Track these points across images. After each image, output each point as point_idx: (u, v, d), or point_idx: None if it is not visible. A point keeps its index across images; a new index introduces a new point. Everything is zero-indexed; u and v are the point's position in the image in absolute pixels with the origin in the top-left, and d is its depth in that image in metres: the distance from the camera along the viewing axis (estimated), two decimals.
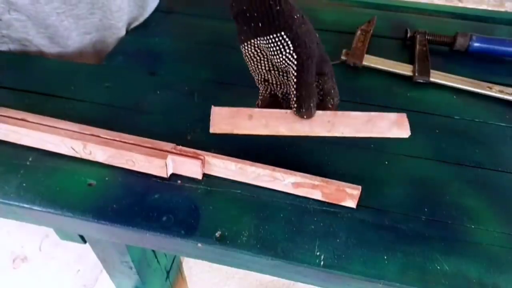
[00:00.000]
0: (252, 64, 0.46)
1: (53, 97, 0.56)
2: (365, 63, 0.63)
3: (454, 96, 0.60)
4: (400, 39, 0.70)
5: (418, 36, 0.67)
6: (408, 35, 0.68)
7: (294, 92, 0.42)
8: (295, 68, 0.42)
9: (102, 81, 0.59)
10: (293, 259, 0.41)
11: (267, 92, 0.47)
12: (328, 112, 0.44)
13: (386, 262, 0.41)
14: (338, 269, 0.40)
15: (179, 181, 0.47)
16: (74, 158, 0.48)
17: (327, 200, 0.45)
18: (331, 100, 0.45)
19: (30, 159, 0.49)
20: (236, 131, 0.43)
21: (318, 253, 0.41)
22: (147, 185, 0.47)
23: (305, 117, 0.42)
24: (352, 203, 0.45)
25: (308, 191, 0.45)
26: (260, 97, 0.47)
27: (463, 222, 0.44)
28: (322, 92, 0.44)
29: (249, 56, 0.46)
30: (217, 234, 0.42)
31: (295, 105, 0.42)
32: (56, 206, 0.45)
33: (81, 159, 0.48)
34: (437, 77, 0.61)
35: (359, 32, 0.69)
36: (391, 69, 0.63)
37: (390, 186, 0.47)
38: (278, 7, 0.41)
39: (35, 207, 0.45)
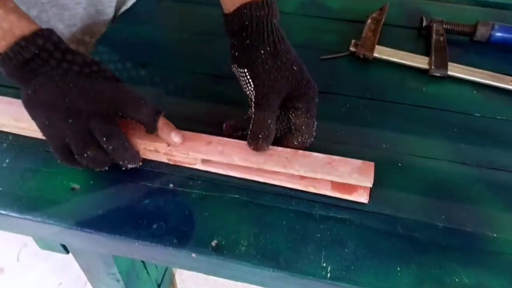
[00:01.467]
0: (241, 84, 0.49)
1: None
2: (376, 54, 0.63)
3: (474, 91, 0.60)
4: (414, 29, 0.70)
5: (434, 25, 0.67)
6: (424, 24, 0.68)
7: (251, 124, 0.45)
8: (253, 104, 0.45)
9: None
10: (297, 271, 0.41)
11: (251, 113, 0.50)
12: (289, 150, 0.47)
13: (399, 274, 0.41)
14: (346, 282, 0.40)
15: (171, 185, 0.47)
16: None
17: (336, 195, 0.45)
18: (299, 138, 0.47)
19: (7, 161, 0.49)
20: (191, 154, 0.47)
21: (324, 264, 0.41)
22: (136, 189, 0.47)
23: (252, 148, 0.45)
24: (363, 195, 0.45)
25: (316, 182, 0.46)
26: (244, 117, 0.50)
27: (483, 230, 0.44)
28: (293, 127, 0.47)
29: (237, 77, 0.49)
30: (213, 243, 0.42)
31: (248, 137, 0.45)
32: (35, 212, 0.45)
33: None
34: (455, 70, 0.61)
35: (369, 20, 0.69)
36: (404, 62, 0.63)
37: (404, 190, 0.47)
38: (248, 41, 0.46)
39: (13, 214, 0.45)
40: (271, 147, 0.46)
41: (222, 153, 0.46)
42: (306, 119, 0.46)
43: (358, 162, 0.46)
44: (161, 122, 0.46)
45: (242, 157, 0.46)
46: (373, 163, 0.46)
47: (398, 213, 0.45)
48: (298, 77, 0.46)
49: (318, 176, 0.45)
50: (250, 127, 0.45)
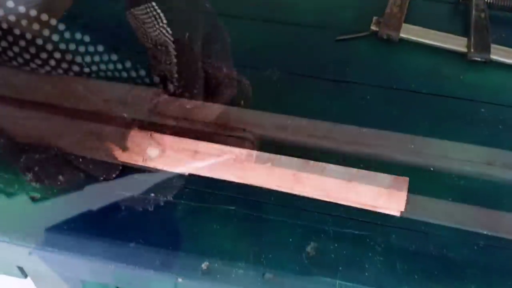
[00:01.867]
0: (143, 31, 0.50)
1: None
2: (402, 35, 0.63)
3: None
4: (450, 3, 0.70)
5: None
6: None
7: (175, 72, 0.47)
8: (170, 45, 0.47)
9: None
10: None
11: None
12: (296, 160, 0.45)
13: None
14: None
15: (152, 194, 0.47)
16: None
17: (359, 205, 0.45)
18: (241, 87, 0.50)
19: None
20: (174, 169, 0.47)
21: None
22: (110, 199, 0.47)
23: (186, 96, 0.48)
24: (395, 207, 0.45)
25: None
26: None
27: None
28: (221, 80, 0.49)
29: (137, 25, 0.50)
30: (204, 265, 0.42)
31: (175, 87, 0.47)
32: None
33: None
34: (499, 53, 0.61)
35: None
36: (437, 44, 0.63)
37: (436, 200, 0.47)
38: None
39: None
40: (272, 155, 0.46)
41: (211, 169, 0.46)
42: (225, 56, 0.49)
43: (386, 178, 0.44)
44: (131, 139, 0.46)
45: (237, 175, 0.45)
46: (406, 179, 0.44)
47: (429, 228, 0.45)
48: (212, 16, 0.49)
49: (333, 200, 0.44)
50: (177, 74, 0.47)
